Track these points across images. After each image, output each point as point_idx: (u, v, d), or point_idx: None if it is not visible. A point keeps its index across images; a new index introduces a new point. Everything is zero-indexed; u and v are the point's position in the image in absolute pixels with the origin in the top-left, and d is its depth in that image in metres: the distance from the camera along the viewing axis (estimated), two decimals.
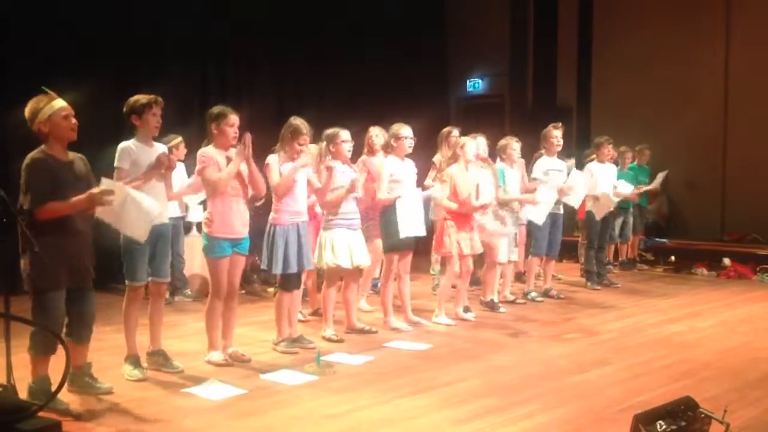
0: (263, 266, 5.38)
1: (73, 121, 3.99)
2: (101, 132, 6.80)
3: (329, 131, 5.60)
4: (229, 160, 4.78)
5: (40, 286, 3.87)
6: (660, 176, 9.41)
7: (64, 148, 4.01)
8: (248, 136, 4.77)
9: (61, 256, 3.88)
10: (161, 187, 4.61)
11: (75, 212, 3.91)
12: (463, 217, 6.12)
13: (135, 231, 4.23)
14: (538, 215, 7.12)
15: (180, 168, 6.90)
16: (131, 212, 4.11)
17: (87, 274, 4.10)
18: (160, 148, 4.71)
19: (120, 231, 4.27)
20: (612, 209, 8.09)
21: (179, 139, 6.88)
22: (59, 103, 3.96)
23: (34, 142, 4.01)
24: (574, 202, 7.54)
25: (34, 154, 3.91)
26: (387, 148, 6.09)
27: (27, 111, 3.95)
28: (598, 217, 7.98)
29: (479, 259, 6.77)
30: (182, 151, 6.97)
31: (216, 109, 4.86)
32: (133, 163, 4.47)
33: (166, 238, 4.72)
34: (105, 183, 3.96)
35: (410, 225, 5.83)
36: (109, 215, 4.06)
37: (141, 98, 4.54)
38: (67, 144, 4.03)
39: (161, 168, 4.54)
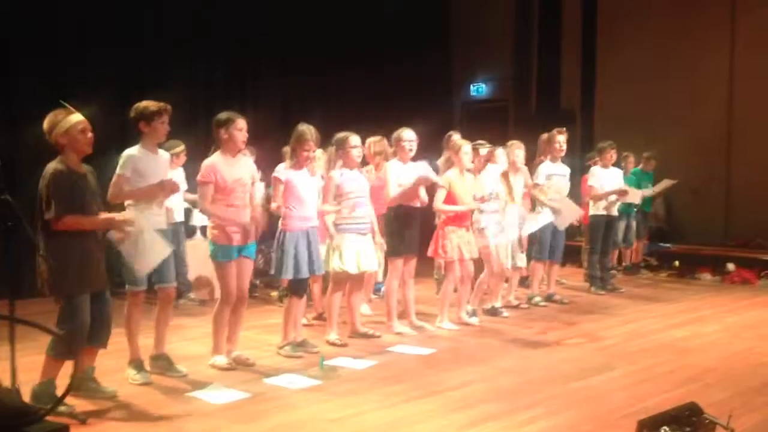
0: (272, 272, 5.38)
1: (90, 134, 4.07)
2: (106, 139, 6.80)
3: (340, 135, 5.61)
4: (235, 168, 4.79)
5: (68, 290, 3.93)
6: (665, 183, 9.39)
7: (79, 161, 4.09)
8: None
9: (86, 260, 3.96)
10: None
11: (92, 228, 4.01)
12: (460, 220, 6.12)
13: (142, 266, 4.33)
14: (526, 227, 7.07)
15: (179, 173, 6.92)
16: (145, 247, 4.22)
17: (105, 276, 4.18)
18: (163, 155, 4.73)
19: (127, 259, 4.34)
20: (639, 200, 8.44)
21: (182, 147, 6.89)
22: (77, 117, 4.04)
23: (42, 150, 4.06)
24: (560, 223, 7.33)
25: (56, 165, 3.97)
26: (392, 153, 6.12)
27: (45, 123, 4.02)
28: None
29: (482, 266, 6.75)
30: (182, 159, 6.99)
31: (224, 115, 4.86)
32: (135, 171, 4.48)
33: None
34: (128, 212, 4.13)
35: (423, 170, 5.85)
36: (124, 244, 4.19)
37: (150, 105, 4.54)
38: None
39: (165, 192, 4.60)
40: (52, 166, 3.98)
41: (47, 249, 3.87)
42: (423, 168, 5.94)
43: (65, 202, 3.89)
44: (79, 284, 3.96)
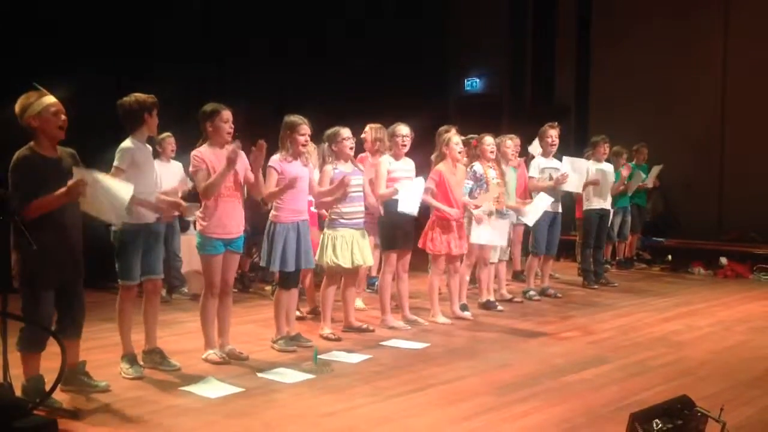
0: (262, 263, 5.37)
1: (63, 117, 3.96)
2: (99, 131, 6.79)
3: (329, 131, 5.59)
4: (223, 159, 4.77)
5: (30, 283, 3.87)
6: (654, 170, 9.37)
7: (53, 145, 3.99)
8: (261, 144, 4.76)
9: (51, 254, 3.86)
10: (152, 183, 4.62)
11: (59, 206, 3.88)
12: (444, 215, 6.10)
13: (107, 215, 4.12)
14: (530, 217, 7.11)
15: (174, 165, 6.91)
16: (100, 196, 4.01)
17: (77, 270, 4.09)
18: (148, 146, 4.71)
19: (95, 216, 4.14)
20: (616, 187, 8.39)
21: (167, 133, 6.87)
22: (49, 99, 3.95)
23: (26, 139, 4.00)
24: (574, 187, 7.49)
25: (21, 152, 3.90)
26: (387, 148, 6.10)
27: (17, 106, 3.93)
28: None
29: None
30: (172, 146, 6.95)
31: (209, 107, 4.83)
32: (132, 163, 4.45)
33: (157, 235, 4.71)
34: (76, 173, 3.91)
35: (407, 203, 5.77)
36: (84, 204, 4.00)
37: (147, 97, 4.52)
38: (58, 142, 4.01)
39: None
40: (18, 153, 3.88)
41: (16, 239, 3.77)
42: (418, 183, 5.89)
43: (29, 188, 3.79)
44: (44, 277, 3.87)
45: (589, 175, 7.89)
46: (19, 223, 3.63)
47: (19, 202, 3.76)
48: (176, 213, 4.86)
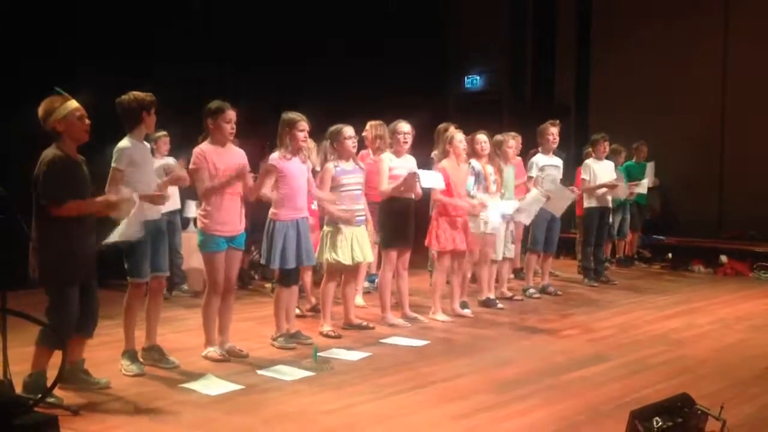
0: (262, 261, 5.38)
1: (87, 121, 4.05)
2: (99, 131, 6.81)
3: (332, 129, 5.59)
4: (224, 157, 4.78)
5: (57, 280, 3.92)
6: (649, 169, 9.34)
7: (75, 149, 4.06)
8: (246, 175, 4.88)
9: (79, 250, 3.95)
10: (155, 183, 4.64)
11: (94, 212, 4.02)
12: (456, 212, 6.11)
13: (128, 235, 4.25)
14: (525, 216, 7.09)
15: (169, 163, 6.90)
16: (131, 219, 4.17)
17: (94, 266, 4.17)
18: (146, 144, 4.72)
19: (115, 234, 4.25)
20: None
21: (163, 132, 6.87)
22: (73, 103, 4.02)
23: (35, 141, 4.03)
24: (552, 208, 7.34)
25: (54, 152, 3.94)
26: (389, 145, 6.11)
27: (41, 110, 3.98)
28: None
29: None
30: (167, 145, 6.94)
31: (214, 105, 4.84)
32: (131, 162, 4.46)
33: (163, 233, 4.73)
34: (124, 191, 4.07)
35: (430, 180, 5.85)
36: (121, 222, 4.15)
37: (146, 95, 4.54)
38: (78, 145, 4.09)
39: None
40: (50, 152, 3.94)
41: (40, 237, 3.84)
42: (413, 164, 5.91)
43: (63, 188, 3.86)
44: (72, 274, 3.95)
45: (597, 178, 7.90)
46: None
47: (50, 200, 3.83)
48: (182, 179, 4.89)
